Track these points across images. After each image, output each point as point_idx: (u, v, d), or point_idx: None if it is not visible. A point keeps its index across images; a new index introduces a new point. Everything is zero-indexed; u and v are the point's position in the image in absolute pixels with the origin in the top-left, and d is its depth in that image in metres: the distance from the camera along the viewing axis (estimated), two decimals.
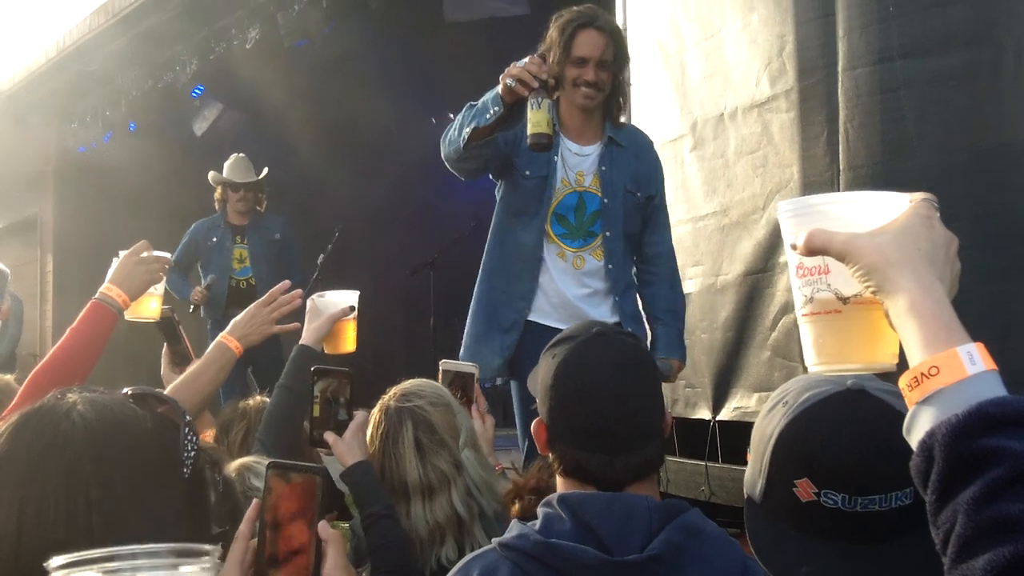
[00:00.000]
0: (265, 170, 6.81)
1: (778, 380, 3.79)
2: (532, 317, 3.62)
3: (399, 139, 9.70)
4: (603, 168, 3.61)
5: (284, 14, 7.20)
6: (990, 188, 3.23)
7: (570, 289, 3.62)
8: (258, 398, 3.01)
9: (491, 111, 3.27)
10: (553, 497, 1.51)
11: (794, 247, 1.15)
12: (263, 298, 2.85)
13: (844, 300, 1.15)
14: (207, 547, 0.84)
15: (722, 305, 4.25)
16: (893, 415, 1.27)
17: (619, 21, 4.97)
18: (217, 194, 6.82)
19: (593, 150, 3.64)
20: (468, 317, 3.77)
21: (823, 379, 1.34)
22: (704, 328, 4.36)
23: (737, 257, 4.17)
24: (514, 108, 3.26)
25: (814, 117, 3.68)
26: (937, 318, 1.03)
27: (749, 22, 4.09)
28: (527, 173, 3.57)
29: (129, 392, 1.29)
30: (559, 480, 1.59)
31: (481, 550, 1.56)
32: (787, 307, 3.80)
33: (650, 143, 3.78)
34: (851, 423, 1.28)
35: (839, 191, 3.50)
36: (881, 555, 1.27)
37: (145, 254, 2.69)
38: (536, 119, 3.15)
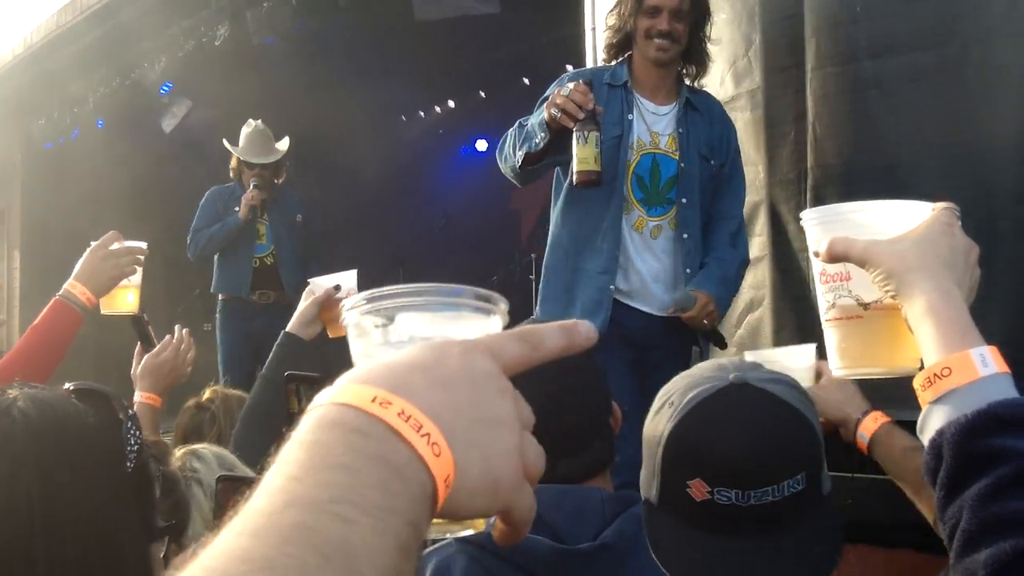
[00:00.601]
0: (285, 141, 6.25)
1: None
2: (617, 296, 3.37)
3: (369, 137, 9.67)
4: (680, 131, 3.38)
5: (253, 11, 7.16)
6: (960, 187, 3.24)
7: (645, 264, 3.38)
8: (221, 391, 2.83)
9: (538, 137, 3.10)
10: None
11: (816, 254, 1.18)
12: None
13: (865, 306, 1.18)
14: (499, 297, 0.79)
15: None
16: (777, 404, 1.30)
17: (587, 23, 4.97)
18: (232, 163, 6.30)
19: (669, 110, 3.42)
20: (538, 302, 3.52)
21: (706, 376, 1.35)
22: None
23: None
24: (562, 135, 3.05)
25: (782, 116, 3.68)
26: (953, 321, 1.06)
27: (716, 21, 4.09)
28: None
29: (71, 388, 1.27)
30: None
31: (439, 544, 1.55)
32: (752, 305, 3.80)
33: (723, 109, 3.57)
34: (736, 419, 1.29)
35: (807, 190, 3.51)
36: (782, 541, 1.28)
37: (115, 246, 2.56)
38: (583, 155, 2.98)
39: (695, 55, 3.42)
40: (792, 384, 1.35)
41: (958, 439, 0.98)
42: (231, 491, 1.54)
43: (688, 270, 3.35)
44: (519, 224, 10.95)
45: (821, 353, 1.36)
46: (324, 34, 7.43)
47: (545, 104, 3.02)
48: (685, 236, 3.35)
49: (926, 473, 1.01)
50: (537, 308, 3.52)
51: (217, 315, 6.31)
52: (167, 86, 8.78)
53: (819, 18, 3.56)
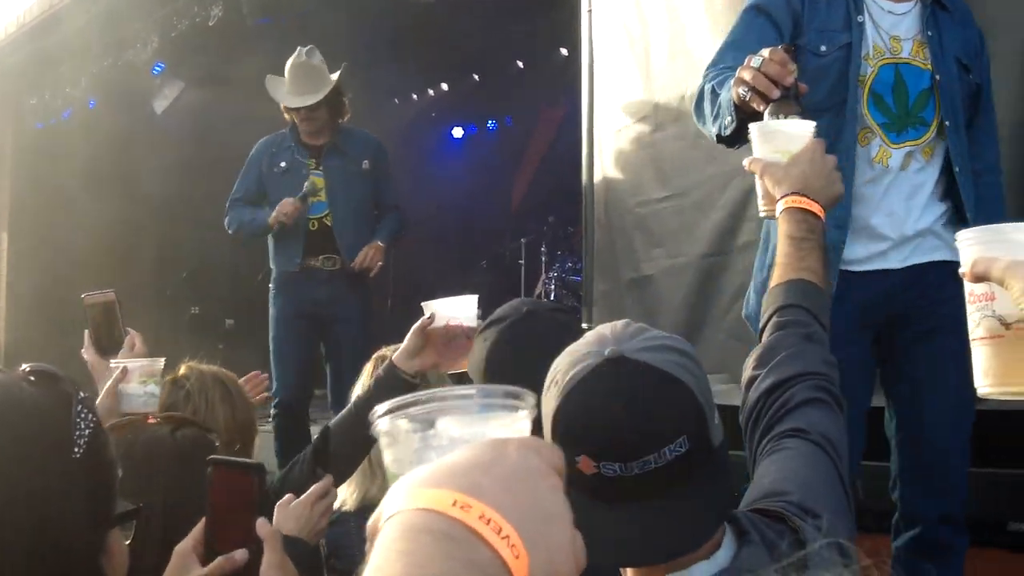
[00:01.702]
0: (337, 75, 5.14)
1: (732, 362, 3.80)
2: (847, 258, 2.62)
3: (362, 119, 9.64)
4: (929, 33, 2.65)
5: None
6: None
7: (901, 206, 2.64)
8: (196, 367, 2.60)
9: (726, 119, 2.35)
10: None
11: (963, 274, 1.20)
12: (308, 496, 1.99)
13: (1007, 325, 1.19)
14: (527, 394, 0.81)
15: (679, 287, 4.25)
16: (651, 373, 1.33)
17: (583, 5, 4.96)
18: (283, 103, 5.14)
19: (910, 7, 2.68)
20: (755, 265, 2.79)
21: (584, 352, 1.37)
22: (663, 310, 4.36)
23: (696, 239, 4.17)
24: (756, 117, 2.13)
25: None
26: None
27: (713, 3, 4.09)
28: (822, 49, 2.61)
29: (28, 369, 1.27)
30: None
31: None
32: (741, 290, 3.80)
33: (970, 12, 2.80)
34: (614, 393, 1.33)
35: None
36: (674, 501, 1.33)
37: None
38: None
39: None
40: (671, 347, 1.38)
41: None
42: (223, 475, 1.54)
43: (969, 215, 2.61)
44: (509, 207, 10.94)
45: None
46: (318, 15, 7.39)
47: (733, 78, 2.19)
48: (956, 169, 2.62)
49: None
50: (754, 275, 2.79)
51: (271, 289, 5.24)
52: (159, 66, 8.74)
53: None
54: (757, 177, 2.01)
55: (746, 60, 2.12)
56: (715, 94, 2.45)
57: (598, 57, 4.86)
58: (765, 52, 2.08)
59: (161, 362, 2.55)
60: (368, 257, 5.06)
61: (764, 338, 1.77)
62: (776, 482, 1.47)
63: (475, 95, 10.52)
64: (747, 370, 1.70)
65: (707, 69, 2.59)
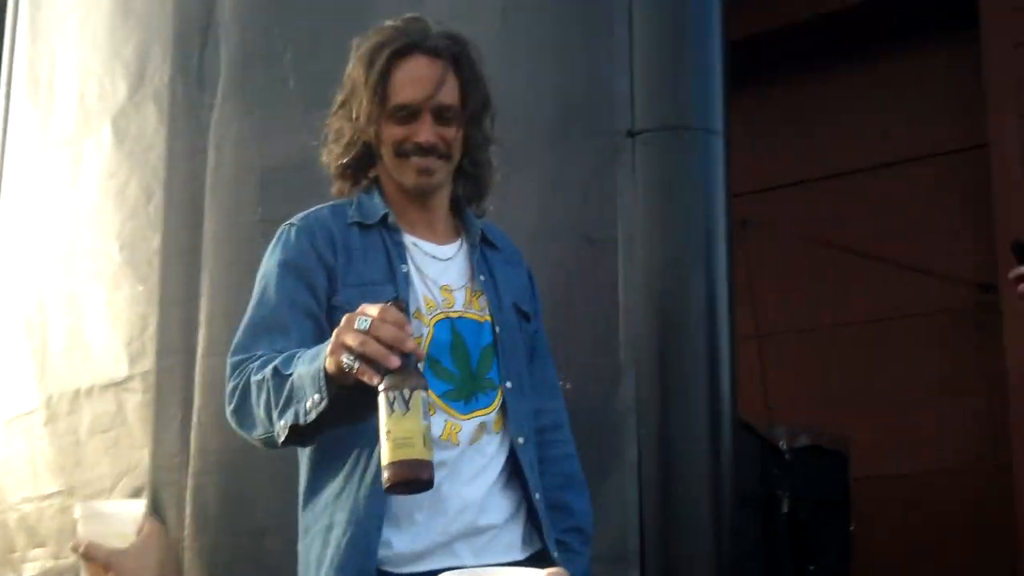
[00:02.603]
0: None
1: None
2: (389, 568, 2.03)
3: None
4: (481, 277, 2.23)
5: None
6: None
7: (472, 492, 2.10)
8: None
9: (310, 400, 1.80)
10: None
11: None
12: None
13: None
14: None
15: None
16: None
17: None
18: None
19: (456, 249, 2.26)
20: None
21: None
22: None
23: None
24: (355, 394, 1.74)
25: (169, 401, 3.68)
26: None
27: (114, 299, 4.07)
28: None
29: None
30: None
31: None
32: None
33: (519, 251, 2.43)
34: None
35: (188, 478, 3.50)
36: None
37: None
38: (402, 431, 1.64)
39: (477, 169, 2.29)
40: None
41: None
42: None
43: (537, 495, 2.17)
44: None
45: None
46: None
47: (329, 344, 1.76)
48: (520, 441, 2.17)
49: None
50: None
51: None
52: None
53: (213, 307, 3.66)
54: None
55: (344, 320, 1.73)
56: (279, 376, 1.89)
57: None
58: (371, 310, 1.72)
59: None
60: None
61: None
62: None
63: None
64: None
65: (233, 358, 2.06)
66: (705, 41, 2.96)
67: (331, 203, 2.25)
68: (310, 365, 1.81)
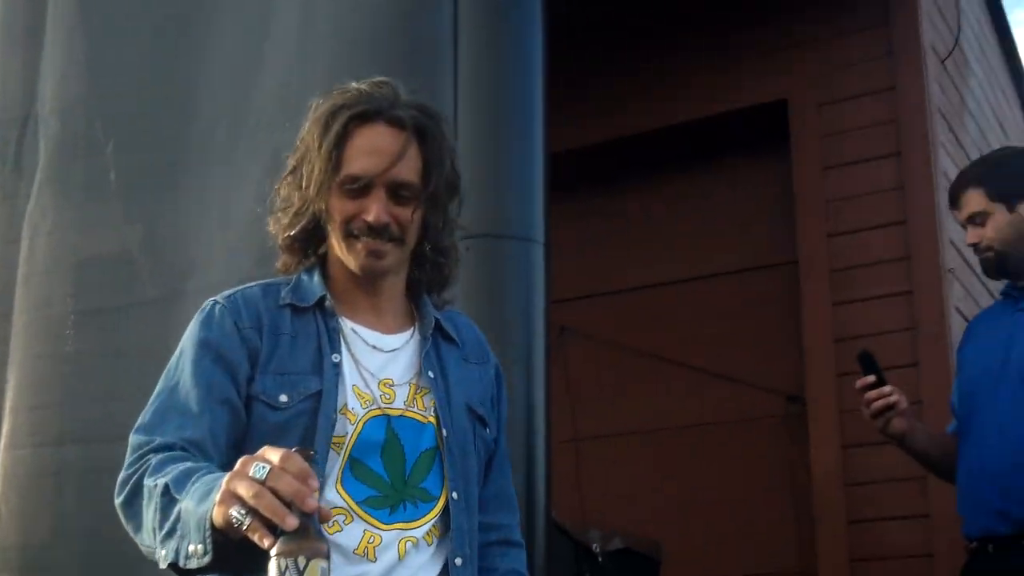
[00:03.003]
0: None
1: None
2: None
3: None
4: (429, 374, 1.99)
5: None
6: None
7: None
8: None
9: (192, 546, 1.57)
10: None
11: None
12: None
13: None
14: None
15: None
16: None
17: None
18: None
19: (406, 339, 2.03)
20: None
21: None
22: None
23: None
24: (244, 551, 1.51)
25: None
26: None
27: None
28: (282, 399, 1.87)
29: None
30: None
31: None
32: None
33: (486, 345, 2.20)
34: None
35: None
36: None
37: None
38: None
39: (437, 256, 2.08)
40: None
41: None
42: None
43: None
44: None
45: None
46: None
47: (219, 489, 1.52)
48: (458, 561, 1.91)
49: None
50: None
51: None
52: None
53: (19, 397, 3.53)
54: None
55: (239, 464, 1.49)
56: (168, 496, 1.65)
57: None
58: (273, 456, 1.47)
59: None
60: None
61: None
62: None
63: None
64: None
65: (135, 436, 1.85)
66: (526, 152, 3.05)
67: (264, 281, 2.04)
68: (198, 505, 1.56)
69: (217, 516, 1.50)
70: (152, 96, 3.55)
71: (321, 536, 1.47)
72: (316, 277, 2.00)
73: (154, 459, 1.75)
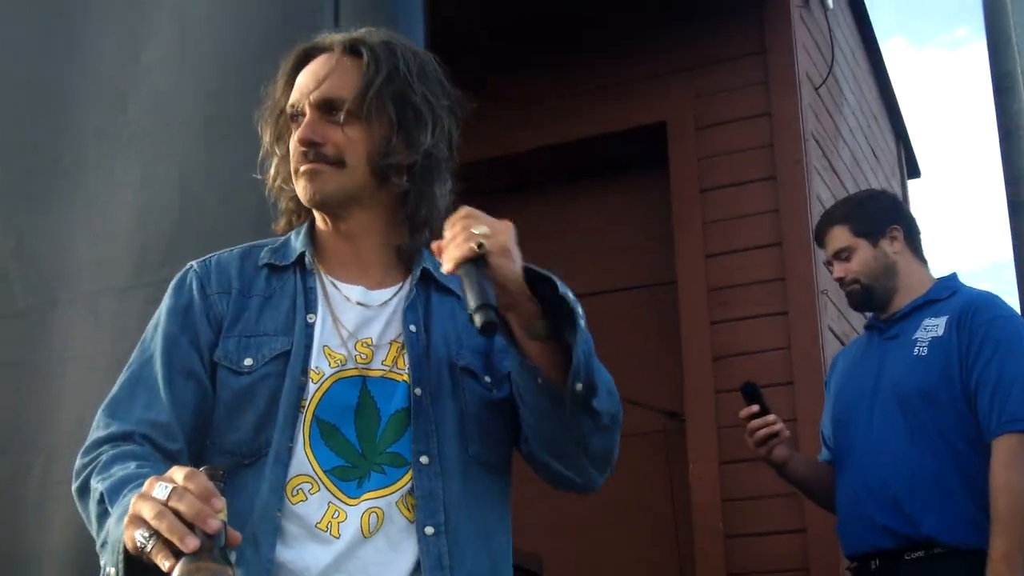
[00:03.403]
0: None
1: None
2: None
3: None
4: (412, 328, 1.82)
5: None
6: None
7: None
8: None
9: (110, 568, 1.52)
10: None
11: None
12: None
13: None
14: None
15: None
16: None
17: None
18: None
19: (393, 293, 1.85)
20: None
21: None
22: None
23: None
24: (159, 572, 1.40)
25: None
26: None
27: None
28: (246, 363, 1.76)
29: None
30: None
31: None
32: None
33: None
34: None
35: None
36: None
37: None
38: None
39: (416, 189, 1.86)
40: None
41: None
42: None
43: None
44: None
45: None
46: None
47: (127, 511, 1.44)
48: (428, 531, 1.72)
49: None
50: None
51: None
52: None
53: None
54: None
55: (147, 484, 1.42)
56: (103, 509, 1.59)
57: None
58: (177, 475, 1.40)
59: None
60: None
61: None
62: None
63: None
64: None
65: (101, 414, 1.78)
66: None
67: (254, 243, 1.93)
68: (116, 526, 1.50)
69: (127, 539, 1.44)
70: (24, 103, 3.46)
71: (225, 559, 1.39)
72: (302, 235, 1.89)
73: (105, 455, 1.68)
